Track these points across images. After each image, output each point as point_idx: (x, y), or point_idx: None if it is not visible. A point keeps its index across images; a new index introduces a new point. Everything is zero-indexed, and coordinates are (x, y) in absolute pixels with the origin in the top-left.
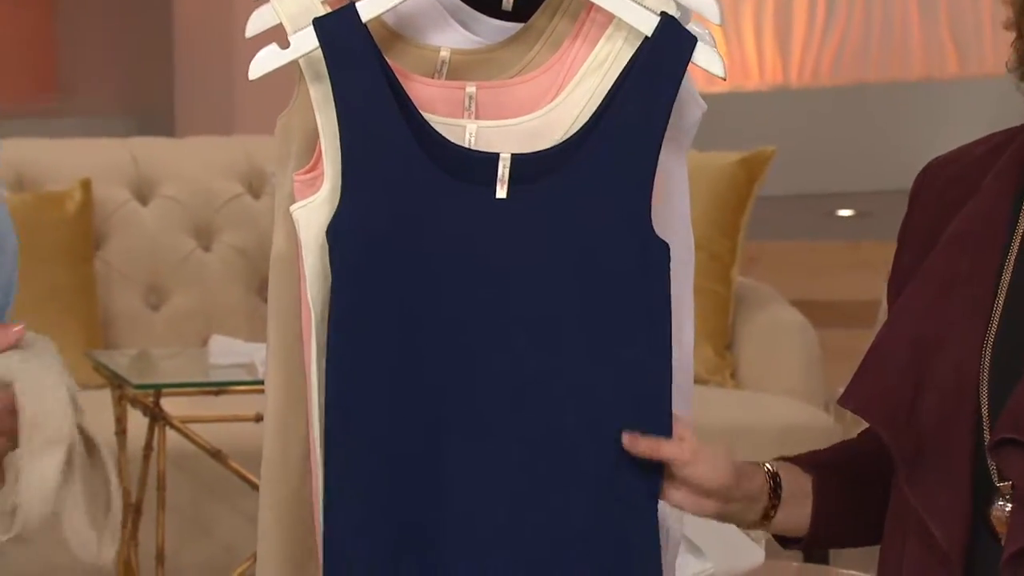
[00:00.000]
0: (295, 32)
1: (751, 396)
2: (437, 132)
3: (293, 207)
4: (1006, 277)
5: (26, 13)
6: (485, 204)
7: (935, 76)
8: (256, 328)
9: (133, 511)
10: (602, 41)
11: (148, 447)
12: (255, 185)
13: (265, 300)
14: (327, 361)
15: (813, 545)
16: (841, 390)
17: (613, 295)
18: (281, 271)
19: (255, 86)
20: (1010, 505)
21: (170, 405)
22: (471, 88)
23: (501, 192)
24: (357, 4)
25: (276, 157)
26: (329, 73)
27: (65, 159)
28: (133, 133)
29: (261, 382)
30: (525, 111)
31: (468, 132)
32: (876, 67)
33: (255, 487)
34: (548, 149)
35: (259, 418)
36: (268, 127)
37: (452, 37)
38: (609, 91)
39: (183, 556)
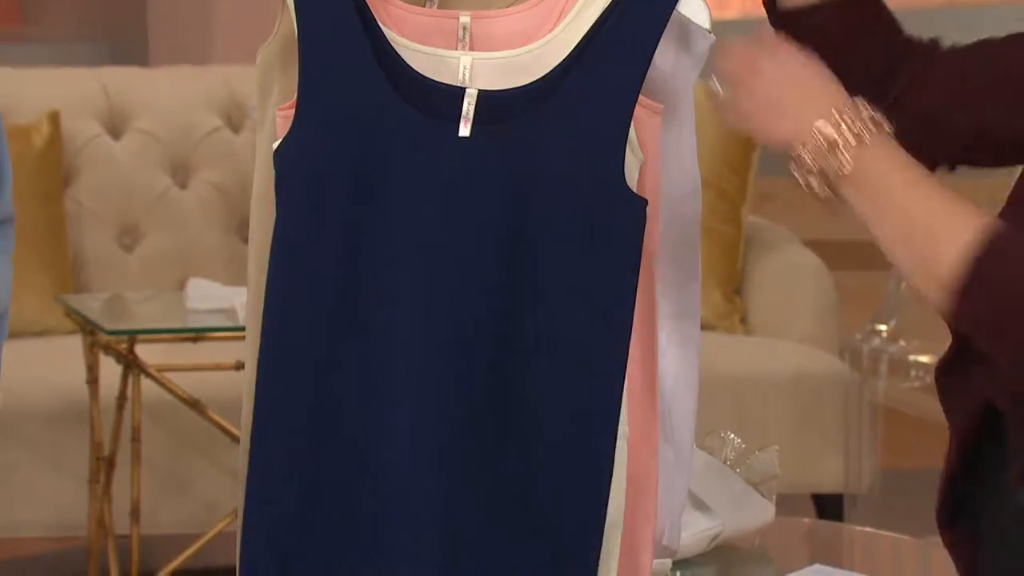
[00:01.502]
0: None
1: (762, 342)
2: (404, 62)
3: (275, 145)
4: None
5: None
6: (446, 142)
7: (959, 0)
8: (236, 271)
9: (106, 465)
10: None
11: (122, 397)
12: (234, 118)
13: (246, 241)
14: (265, 295)
15: (798, 21)
16: (859, 336)
17: (575, 250)
18: (263, 210)
19: (234, 12)
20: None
21: (145, 352)
22: (465, 18)
23: (464, 130)
24: None
25: (258, 91)
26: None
27: (31, 90)
28: (104, 62)
29: (241, 328)
30: (520, 43)
31: (463, 65)
32: None
33: (235, 439)
34: (520, 87)
35: (239, 366)
36: (248, 56)
37: None
38: (591, 27)
39: (160, 512)
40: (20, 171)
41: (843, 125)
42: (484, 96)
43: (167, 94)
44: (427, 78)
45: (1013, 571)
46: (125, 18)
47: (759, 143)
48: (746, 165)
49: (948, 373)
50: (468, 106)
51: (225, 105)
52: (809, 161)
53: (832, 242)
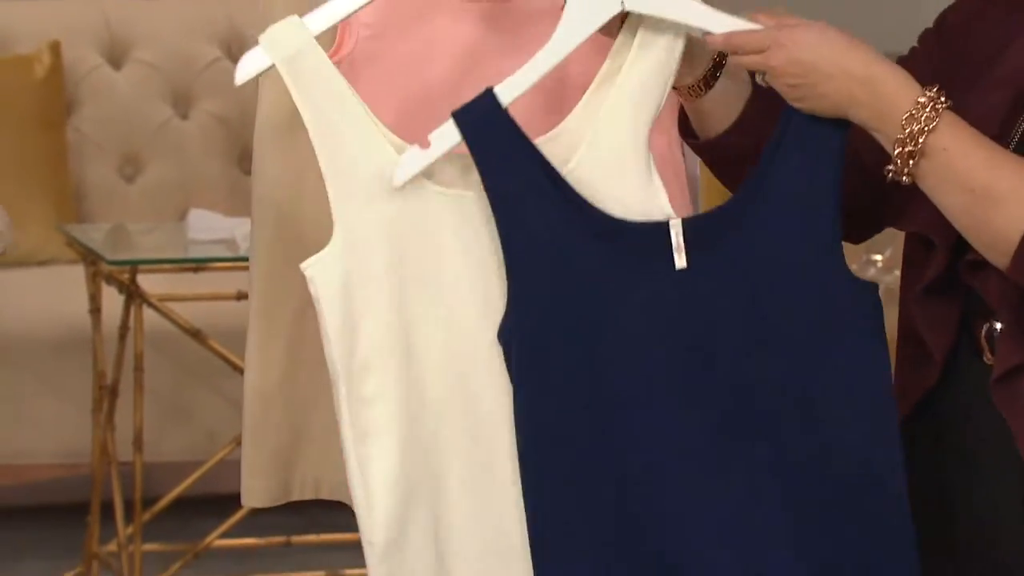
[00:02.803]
0: (290, 74)
1: None
2: (600, 209)
3: (304, 265)
4: None
5: None
6: (665, 276)
7: None
8: (237, 201)
9: (109, 394)
10: (610, 58)
11: (124, 326)
12: (235, 49)
13: (246, 172)
14: (522, 466)
15: (719, 147)
16: (855, 267)
17: (822, 348)
18: (267, 140)
19: None
20: (999, 325)
21: (147, 282)
22: None
23: (680, 261)
24: (495, 89)
25: (260, 22)
26: (480, 170)
27: (32, 19)
28: None
29: (242, 259)
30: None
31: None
32: None
33: (236, 368)
34: (719, 209)
35: (240, 296)
36: None
37: None
38: (772, 140)
39: (162, 440)
40: (22, 101)
41: (923, 107)
42: (687, 223)
43: (168, 24)
44: (625, 221)
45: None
46: None
47: (811, 113)
48: None
49: (934, 292)
50: (676, 236)
51: (226, 36)
52: (898, 138)
53: None
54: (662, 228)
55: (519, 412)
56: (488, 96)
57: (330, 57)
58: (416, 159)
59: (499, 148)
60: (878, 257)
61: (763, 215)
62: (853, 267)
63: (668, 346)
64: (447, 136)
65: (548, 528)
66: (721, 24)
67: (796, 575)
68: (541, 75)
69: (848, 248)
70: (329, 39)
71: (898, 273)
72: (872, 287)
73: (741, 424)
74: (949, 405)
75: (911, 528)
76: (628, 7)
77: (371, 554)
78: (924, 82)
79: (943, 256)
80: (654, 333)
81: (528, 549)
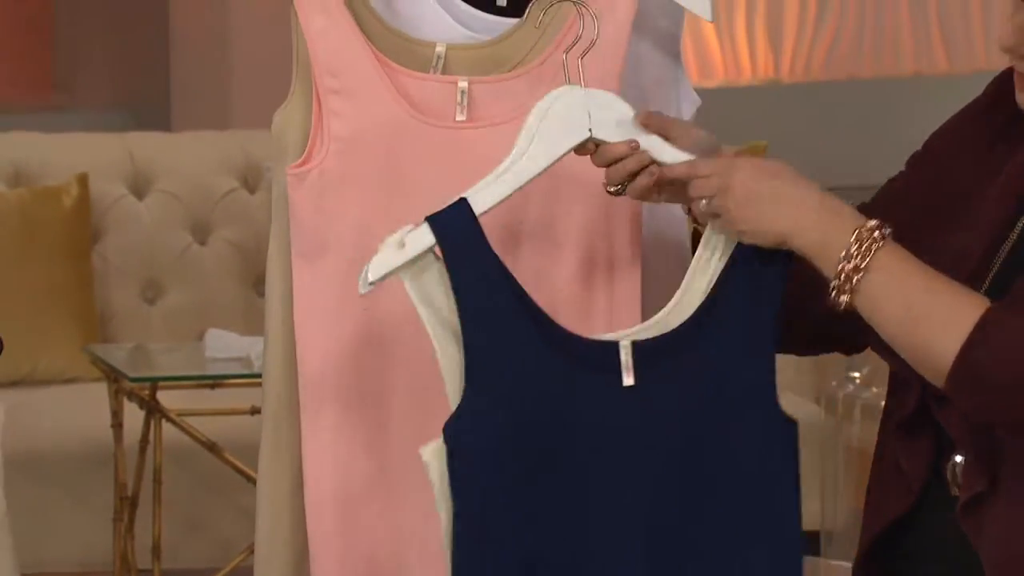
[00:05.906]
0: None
1: None
2: (557, 324)
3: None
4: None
5: (24, 7)
6: (613, 392)
7: (925, 72)
8: (252, 322)
9: (129, 504)
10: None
11: (144, 440)
12: (251, 180)
13: (260, 294)
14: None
15: None
16: (834, 383)
17: (742, 473)
18: (278, 266)
19: (250, 81)
20: (959, 458)
21: (166, 398)
22: (463, 83)
23: (628, 379)
24: (468, 197)
25: (273, 153)
26: (449, 270)
27: (62, 154)
28: (129, 127)
29: (257, 375)
30: (520, 107)
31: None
32: (868, 62)
33: (251, 480)
34: (667, 333)
35: (255, 411)
36: (264, 121)
37: (448, 33)
38: (719, 276)
39: (180, 549)
40: (51, 229)
41: (870, 232)
42: (636, 345)
43: (188, 158)
44: (579, 337)
45: None
46: (149, 86)
47: (753, 242)
48: None
49: (910, 428)
50: (626, 356)
51: (242, 168)
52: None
53: None
54: (613, 347)
55: (457, 515)
56: (462, 204)
57: (299, 167)
58: (389, 257)
59: (468, 255)
60: (856, 374)
61: (708, 342)
62: (833, 383)
63: (607, 458)
64: (421, 238)
65: None
66: (673, 157)
67: None
68: (509, 193)
69: (828, 364)
70: (299, 150)
71: (875, 390)
72: (792, 426)
73: (665, 542)
74: (921, 534)
75: None
76: (596, 135)
77: None
78: (907, 208)
79: (916, 393)
80: (596, 444)
81: None
